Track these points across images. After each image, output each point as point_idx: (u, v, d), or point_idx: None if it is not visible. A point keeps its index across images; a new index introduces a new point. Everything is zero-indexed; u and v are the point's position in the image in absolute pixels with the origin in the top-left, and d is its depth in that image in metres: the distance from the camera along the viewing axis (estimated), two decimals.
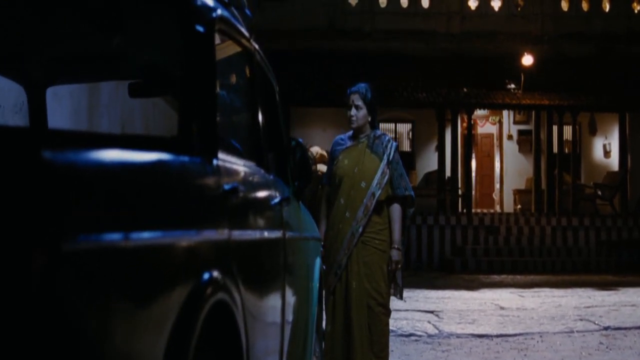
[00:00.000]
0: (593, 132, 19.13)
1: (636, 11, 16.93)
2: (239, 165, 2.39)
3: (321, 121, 19.00)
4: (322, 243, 4.63)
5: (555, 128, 17.08)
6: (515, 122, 20.37)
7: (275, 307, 2.80)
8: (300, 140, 3.41)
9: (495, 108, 18.43)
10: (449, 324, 7.69)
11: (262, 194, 2.65)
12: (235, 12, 2.82)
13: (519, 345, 6.56)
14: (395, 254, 4.64)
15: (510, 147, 20.47)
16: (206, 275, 1.88)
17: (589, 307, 9.02)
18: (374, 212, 4.64)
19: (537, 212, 17.06)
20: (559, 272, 14.94)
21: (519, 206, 18.86)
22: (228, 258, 2.07)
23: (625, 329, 7.35)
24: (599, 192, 17.46)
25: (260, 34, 11.68)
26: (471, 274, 14.63)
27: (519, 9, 16.80)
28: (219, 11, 2.34)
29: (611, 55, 16.91)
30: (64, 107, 7.05)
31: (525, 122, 20.04)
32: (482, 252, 15.63)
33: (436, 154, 17.96)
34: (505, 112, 19.88)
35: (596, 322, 7.71)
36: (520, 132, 20.33)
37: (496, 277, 13.92)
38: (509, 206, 19.68)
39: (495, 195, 20.92)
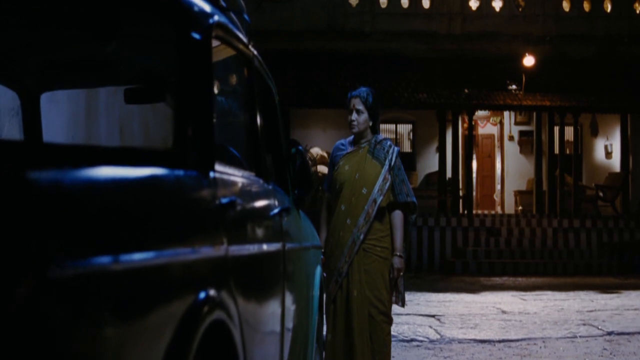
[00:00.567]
0: (594, 133, 19.05)
1: (638, 12, 16.86)
2: (237, 177, 2.32)
3: (321, 122, 18.94)
4: (323, 250, 4.55)
5: (556, 129, 17.00)
6: (516, 123, 20.29)
7: (275, 319, 2.73)
8: (300, 147, 3.34)
9: (497, 109, 18.35)
10: (450, 328, 7.62)
11: (260, 205, 2.57)
12: (234, 17, 2.75)
13: (521, 351, 6.48)
14: (397, 262, 4.56)
15: (511, 148, 20.39)
16: (202, 295, 1.81)
17: (591, 311, 8.95)
18: (376, 219, 4.56)
19: (538, 214, 16.99)
20: (560, 275, 14.86)
21: (520, 207, 18.78)
22: (225, 274, 1.99)
23: (628, 334, 7.27)
24: (601, 194, 17.38)
25: (260, 35, 11.63)
26: (472, 276, 14.56)
27: (520, 9, 16.73)
28: (216, 17, 2.26)
29: (613, 56, 16.84)
30: (61, 110, 6.98)
31: (526, 123, 19.97)
32: (483, 254, 15.55)
33: (437, 155, 17.88)
34: (506, 113, 19.81)
35: (599, 327, 7.63)
36: (521, 133, 20.26)
37: (497, 280, 13.85)
38: (510, 207, 19.60)
39: (496, 197, 20.85)
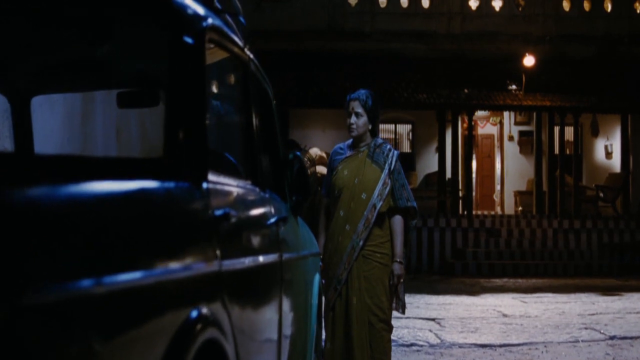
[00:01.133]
0: (595, 133, 18.97)
1: (638, 12, 16.76)
2: (231, 186, 2.23)
3: (321, 122, 18.86)
4: (321, 256, 4.46)
5: (556, 129, 16.91)
6: (516, 123, 20.21)
7: (272, 331, 2.64)
8: (298, 153, 3.24)
9: (497, 109, 18.26)
10: (450, 332, 7.53)
11: (256, 216, 2.48)
12: (229, 20, 2.66)
13: (523, 356, 6.40)
14: (397, 268, 4.47)
15: (511, 148, 20.30)
16: (194, 313, 1.72)
17: (593, 314, 8.86)
18: (375, 225, 4.46)
19: (538, 214, 16.90)
20: (561, 276, 14.76)
21: (520, 208, 18.69)
22: (219, 290, 1.90)
23: (631, 338, 7.18)
24: (601, 194, 17.29)
25: (259, 35, 11.55)
26: (472, 277, 14.48)
27: (520, 9, 16.64)
28: (210, 20, 2.17)
29: (613, 56, 16.75)
30: (57, 112, 6.89)
31: (526, 123, 19.88)
32: (483, 255, 15.46)
33: (436, 155, 17.79)
34: (506, 113, 19.72)
35: (601, 331, 7.55)
36: (521, 133, 20.17)
37: (497, 281, 13.76)
38: (509, 208, 19.52)
39: (496, 197, 20.76)
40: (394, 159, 4.56)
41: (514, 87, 16.91)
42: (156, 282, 1.54)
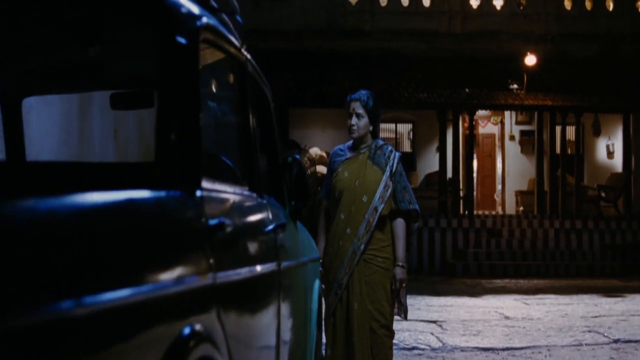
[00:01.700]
0: (597, 133, 18.85)
1: None
2: (227, 193, 2.13)
3: (320, 122, 18.76)
4: (321, 261, 4.36)
5: (558, 129, 16.82)
6: (517, 123, 20.10)
7: (269, 341, 2.54)
8: (297, 156, 3.14)
9: (498, 109, 18.16)
10: (452, 335, 7.43)
11: (253, 224, 2.38)
12: (226, 19, 2.56)
13: (526, 359, 6.31)
14: (399, 272, 4.37)
15: (512, 148, 20.20)
16: (187, 330, 1.62)
17: (596, 316, 8.76)
18: (377, 228, 4.36)
19: (539, 214, 16.80)
20: (562, 277, 14.66)
21: (521, 208, 18.59)
22: (213, 304, 1.80)
23: (636, 341, 7.08)
24: (603, 194, 17.19)
25: (258, 34, 11.44)
26: (473, 278, 14.38)
27: (521, 8, 16.53)
28: (205, 19, 2.07)
29: (615, 55, 16.65)
30: (53, 112, 6.79)
31: (527, 123, 19.78)
32: (484, 255, 15.36)
33: (437, 155, 17.69)
34: (507, 113, 19.62)
35: (605, 334, 7.44)
36: (522, 133, 20.07)
37: (499, 282, 13.66)
38: (510, 207, 19.42)
39: (497, 197, 20.67)
40: (396, 160, 4.46)
41: (515, 86, 16.81)
42: (145, 299, 1.44)
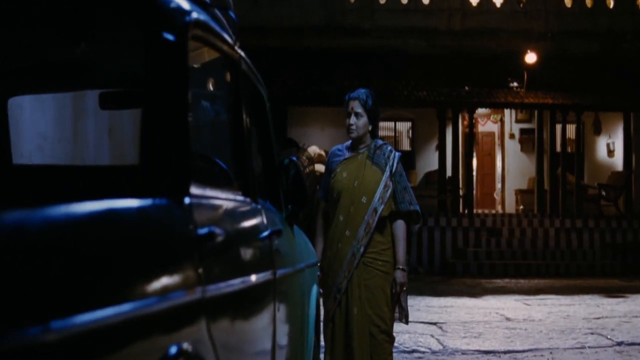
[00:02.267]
0: (598, 131, 18.73)
1: None
2: (218, 199, 2.00)
3: (319, 120, 18.65)
4: (319, 264, 4.24)
5: (558, 127, 16.70)
6: (517, 121, 19.98)
7: (264, 353, 2.42)
8: (294, 158, 3.02)
9: (498, 107, 18.03)
10: (453, 338, 7.31)
11: (246, 231, 2.26)
12: (218, 15, 2.43)
13: None
14: (400, 276, 4.25)
15: (512, 146, 20.08)
16: (173, 349, 1.50)
17: (598, 318, 8.64)
18: (376, 230, 4.24)
19: (539, 213, 16.67)
20: (563, 276, 14.55)
21: (521, 207, 18.47)
22: (202, 320, 1.68)
23: (639, 344, 6.97)
24: (603, 193, 17.07)
25: (257, 32, 11.31)
26: (473, 277, 14.26)
27: (521, 5, 16.38)
28: (194, 15, 1.95)
29: (616, 53, 16.53)
30: (47, 112, 6.67)
31: (527, 121, 19.65)
32: (484, 255, 15.24)
33: (437, 153, 17.58)
34: (507, 111, 19.49)
35: (608, 337, 7.33)
36: (522, 131, 19.95)
37: (499, 282, 13.54)
38: (510, 206, 19.30)
39: (497, 195, 20.55)
40: (396, 160, 4.34)
41: (515, 84, 16.69)
42: (126, 318, 1.32)
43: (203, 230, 1.73)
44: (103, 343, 1.24)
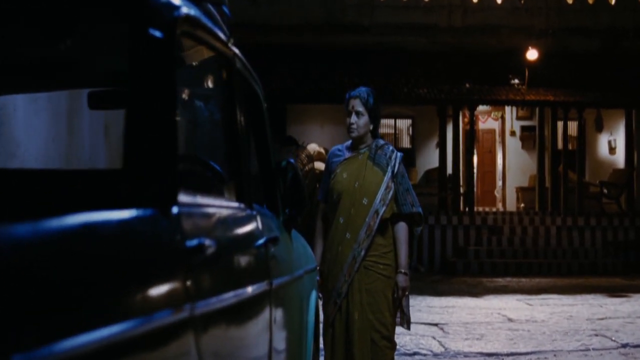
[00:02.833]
0: (599, 128, 18.58)
1: None
2: (210, 207, 1.87)
3: (319, 118, 18.52)
4: (319, 268, 4.11)
5: (559, 124, 16.57)
6: (518, 118, 19.85)
7: None
8: (292, 160, 2.89)
9: (499, 104, 17.91)
10: (455, 340, 7.18)
11: (240, 240, 2.13)
12: (212, 10, 2.30)
13: None
14: (402, 280, 4.12)
15: (513, 144, 19.95)
16: None
17: (602, 318, 8.51)
18: (378, 233, 4.11)
19: (541, 211, 16.54)
20: (565, 275, 14.41)
21: (522, 204, 18.33)
22: (191, 339, 1.55)
23: None
24: (605, 191, 16.94)
25: (256, 29, 11.17)
26: (474, 276, 14.12)
27: (522, 2, 16.23)
28: (183, 10, 1.82)
29: (617, 50, 16.40)
30: (41, 110, 6.54)
31: (528, 118, 19.52)
32: (485, 253, 15.10)
33: (437, 151, 17.45)
34: (507, 108, 19.38)
35: (613, 338, 7.20)
36: (523, 128, 19.82)
37: (500, 281, 13.40)
38: (511, 204, 19.18)
39: (497, 193, 20.42)
40: (398, 161, 4.21)
41: (516, 81, 16.56)
42: (105, 345, 1.19)
43: (192, 242, 1.60)
44: None
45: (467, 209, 16.18)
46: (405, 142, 19.92)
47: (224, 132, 2.27)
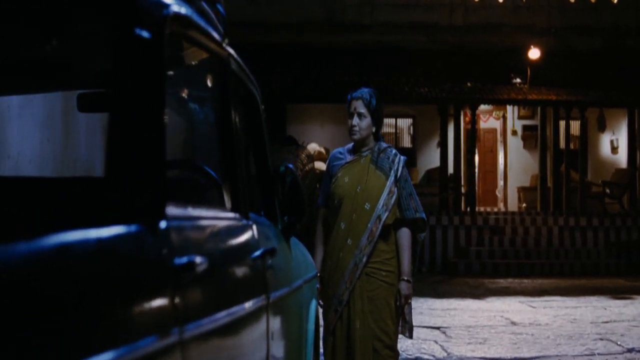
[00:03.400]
0: (602, 128, 18.46)
1: None
2: (201, 219, 1.75)
3: (319, 117, 18.41)
4: (319, 274, 3.98)
5: (561, 123, 16.45)
6: (519, 117, 19.72)
7: None
8: (290, 165, 2.76)
9: (501, 103, 17.79)
10: (457, 344, 7.06)
11: (234, 254, 2.00)
12: (205, 8, 2.18)
13: None
14: (405, 287, 4.00)
15: (515, 143, 19.82)
16: None
17: (606, 322, 8.38)
18: (380, 238, 3.98)
19: (542, 211, 16.41)
20: (567, 275, 14.29)
21: (523, 204, 18.20)
22: None
23: None
24: (608, 190, 16.82)
25: (255, 28, 11.05)
26: (475, 277, 13.99)
27: (524, 0, 16.13)
28: (173, 8, 1.69)
29: (620, 49, 16.26)
30: (36, 111, 6.42)
31: (530, 117, 19.39)
32: (487, 254, 14.97)
33: (438, 151, 17.33)
34: (509, 107, 19.25)
35: (618, 343, 7.07)
36: (524, 128, 19.69)
37: (502, 282, 13.28)
38: (513, 204, 19.05)
39: (499, 193, 20.29)
40: (401, 165, 4.08)
41: (518, 80, 16.44)
42: None
43: (181, 260, 1.47)
44: None
45: (468, 209, 16.06)
46: (406, 142, 19.80)
47: (218, 136, 2.14)
